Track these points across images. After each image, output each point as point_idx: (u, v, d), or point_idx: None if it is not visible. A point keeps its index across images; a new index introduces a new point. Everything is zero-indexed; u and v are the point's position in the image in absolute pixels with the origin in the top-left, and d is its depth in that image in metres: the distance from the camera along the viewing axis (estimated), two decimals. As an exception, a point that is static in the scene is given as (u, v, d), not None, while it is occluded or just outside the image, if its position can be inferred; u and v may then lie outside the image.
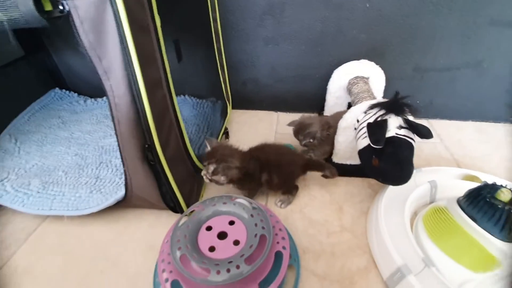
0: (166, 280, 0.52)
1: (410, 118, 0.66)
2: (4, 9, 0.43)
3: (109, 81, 0.52)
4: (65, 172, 0.82)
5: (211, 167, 0.65)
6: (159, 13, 0.54)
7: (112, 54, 0.49)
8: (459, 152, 0.93)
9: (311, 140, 0.82)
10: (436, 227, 0.61)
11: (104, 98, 1.18)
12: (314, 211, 0.75)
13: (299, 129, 0.83)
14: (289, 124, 0.86)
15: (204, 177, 0.67)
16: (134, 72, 0.49)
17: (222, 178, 0.66)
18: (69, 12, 0.46)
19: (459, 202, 0.59)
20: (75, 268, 0.63)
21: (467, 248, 0.55)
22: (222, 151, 0.67)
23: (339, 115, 0.88)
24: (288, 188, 0.77)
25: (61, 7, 0.45)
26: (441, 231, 0.60)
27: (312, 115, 0.87)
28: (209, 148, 0.68)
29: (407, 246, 0.57)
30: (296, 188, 0.78)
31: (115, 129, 0.57)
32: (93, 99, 1.19)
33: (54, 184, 0.77)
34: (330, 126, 0.83)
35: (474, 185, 0.62)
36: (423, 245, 0.60)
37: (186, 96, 1.07)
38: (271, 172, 0.71)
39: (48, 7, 0.44)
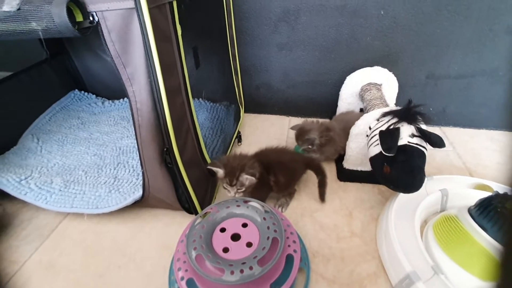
0: (182, 278, 0.54)
1: (423, 126, 0.67)
2: (39, 20, 0.46)
3: (132, 87, 0.54)
4: (85, 172, 0.85)
5: (245, 177, 0.64)
6: (179, 21, 0.57)
7: (137, 62, 0.51)
8: (472, 161, 0.93)
9: (310, 146, 0.85)
10: (446, 236, 0.61)
11: (121, 100, 1.22)
12: (324, 215, 0.76)
13: (299, 135, 0.87)
14: (292, 128, 0.90)
15: (237, 194, 0.66)
16: (157, 80, 0.52)
17: (257, 176, 0.65)
18: (98, 23, 0.49)
19: (470, 211, 0.60)
20: (94, 263, 0.66)
21: (477, 257, 0.55)
22: (236, 161, 0.66)
23: (342, 116, 0.89)
24: (291, 189, 0.79)
25: (91, 18, 0.48)
26: (451, 240, 0.60)
27: (315, 120, 0.88)
28: (221, 170, 0.65)
29: (416, 253, 0.58)
30: (294, 191, 0.81)
31: (136, 133, 0.60)
32: (110, 101, 1.23)
33: (75, 183, 0.80)
34: (329, 130, 0.85)
35: (485, 194, 0.62)
36: (432, 252, 0.61)
37: (201, 100, 1.10)
38: (276, 173, 0.73)
39: (79, 18, 0.48)
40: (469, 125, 1.09)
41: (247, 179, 0.64)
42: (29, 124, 1.05)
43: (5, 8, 0.44)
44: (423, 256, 0.56)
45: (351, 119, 0.83)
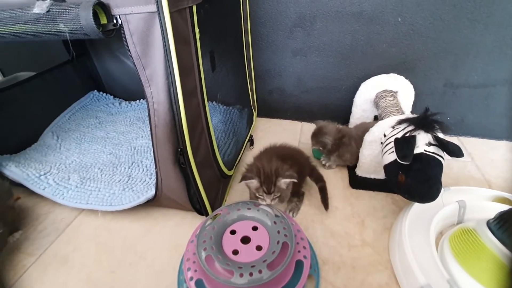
0: (191, 278, 0.54)
1: (440, 135, 0.65)
2: (67, 21, 0.48)
3: (150, 88, 0.56)
4: (101, 170, 0.88)
5: (282, 181, 0.63)
6: (198, 25, 0.58)
7: (156, 64, 0.53)
8: (491, 173, 0.90)
9: (321, 148, 0.86)
10: (463, 249, 0.59)
11: (137, 101, 1.26)
12: (336, 223, 0.75)
13: (315, 134, 0.88)
14: (314, 122, 0.91)
15: (273, 201, 0.64)
16: (174, 81, 0.53)
17: (295, 176, 0.64)
18: (121, 26, 0.50)
19: (489, 224, 0.58)
20: (106, 259, 0.68)
21: (495, 272, 0.53)
22: (267, 167, 0.64)
23: (362, 126, 0.88)
24: (300, 187, 0.79)
25: (114, 21, 0.50)
26: (468, 253, 0.58)
27: (334, 124, 0.89)
28: (255, 181, 0.63)
29: (431, 265, 0.56)
30: (303, 194, 0.80)
31: (152, 133, 0.61)
32: (127, 102, 1.26)
33: (91, 180, 0.83)
34: (344, 137, 0.85)
35: (505, 207, 0.60)
36: (448, 266, 0.59)
37: (215, 103, 1.12)
38: (291, 166, 0.71)
39: (104, 20, 0.50)
40: (489, 135, 1.06)
41: (286, 182, 0.63)
42: (50, 122, 1.09)
43: (36, 10, 0.47)
44: (438, 269, 0.55)
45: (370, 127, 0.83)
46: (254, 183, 0.64)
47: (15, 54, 1.28)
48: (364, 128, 0.85)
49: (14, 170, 0.83)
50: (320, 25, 0.97)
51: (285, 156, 0.72)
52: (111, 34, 0.50)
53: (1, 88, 0.94)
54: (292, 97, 1.15)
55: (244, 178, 0.65)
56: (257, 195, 0.65)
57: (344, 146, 0.85)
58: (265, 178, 0.63)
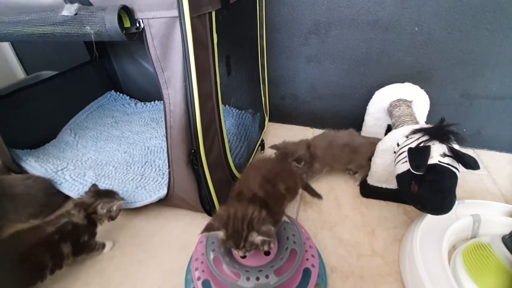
0: (198, 278, 0.55)
1: (456, 146, 0.64)
2: (93, 24, 0.51)
3: (167, 90, 0.58)
4: (115, 168, 0.90)
5: (257, 238, 0.50)
6: (216, 30, 0.60)
7: (174, 67, 0.54)
8: (508, 188, 0.87)
9: (298, 166, 0.81)
10: (477, 264, 0.57)
11: (152, 102, 1.28)
12: (345, 231, 0.74)
13: (284, 157, 0.82)
14: (271, 147, 0.87)
15: (248, 254, 0.52)
16: (191, 84, 0.55)
17: (272, 229, 0.51)
18: (143, 29, 0.52)
19: (504, 240, 0.56)
20: (117, 255, 0.69)
21: (512, 291, 0.52)
22: (239, 216, 0.51)
23: (326, 137, 0.88)
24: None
25: (137, 25, 0.52)
26: (482, 269, 0.56)
27: (294, 142, 0.88)
28: (221, 233, 0.51)
29: (443, 280, 0.55)
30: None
31: (166, 133, 0.63)
32: (142, 103, 1.29)
33: (106, 177, 0.85)
34: (309, 145, 0.85)
35: (523, 224, 0.58)
36: (461, 281, 0.57)
37: (228, 106, 1.13)
38: (285, 181, 0.65)
39: (127, 24, 0.52)
40: (506, 149, 1.03)
41: (261, 239, 0.50)
42: (69, 119, 1.13)
43: (65, 12, 0.49)
44: (450, 284, 0.53)
45: (334, 137, 0.87)
46: (220, 235, 0.51)
47: (38, 54, 1.33)
48: (329, 140, 0.86)
49: (33, 165, 0.86)
50: (335, 33, 0.97)
51: (274, 176, 0.64)
52: (134, 37, 0.52)
53: (24, 86, 0.98)
54: (304, 103, 1.15)
55: (207, 229, 0.51)
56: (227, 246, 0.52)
57: (315, 156, 0.84)
58: (233, 231, 0.50)
